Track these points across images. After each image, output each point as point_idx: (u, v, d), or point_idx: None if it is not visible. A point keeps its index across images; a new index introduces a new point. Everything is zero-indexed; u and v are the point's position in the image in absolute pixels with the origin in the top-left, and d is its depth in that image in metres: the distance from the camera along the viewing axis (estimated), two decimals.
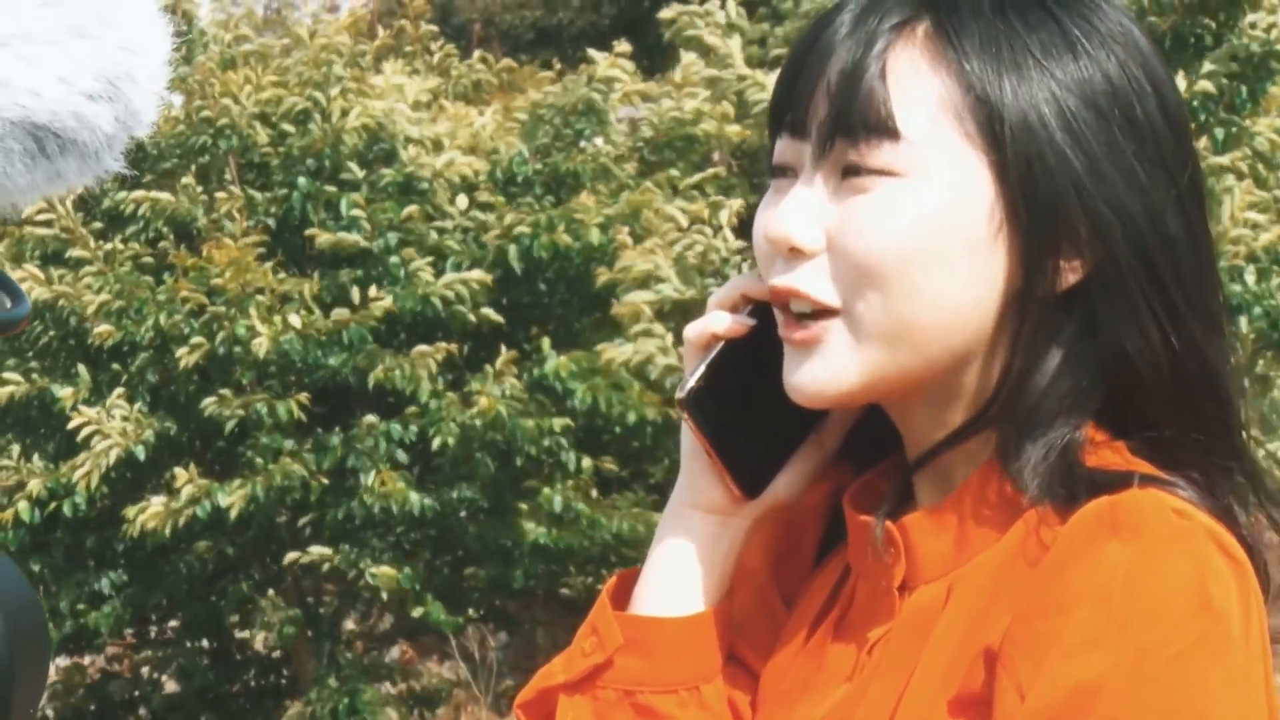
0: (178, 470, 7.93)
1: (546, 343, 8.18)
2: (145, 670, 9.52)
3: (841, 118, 1.29)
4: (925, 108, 1.28)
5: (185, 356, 7.90)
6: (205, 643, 9.43)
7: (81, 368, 8.26)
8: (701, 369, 1.39)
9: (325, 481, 8.03)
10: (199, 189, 8.50)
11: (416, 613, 8.26)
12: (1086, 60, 1.29)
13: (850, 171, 1.29)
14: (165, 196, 8.40)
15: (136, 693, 9.43)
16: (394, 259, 8.25)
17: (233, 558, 9.17)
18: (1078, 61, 1.29)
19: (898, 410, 1.36)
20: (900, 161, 1.28)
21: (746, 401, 1.39)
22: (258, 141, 8.54)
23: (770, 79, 7.56)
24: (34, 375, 8.35)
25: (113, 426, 7.93)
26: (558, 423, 7.92)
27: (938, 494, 1.35)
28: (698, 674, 1.40)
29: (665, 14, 8.21)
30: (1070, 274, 1.29)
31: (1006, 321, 1.29)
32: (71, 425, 7.96)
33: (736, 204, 7.82)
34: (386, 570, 8.13)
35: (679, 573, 1.41)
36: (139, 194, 8.41)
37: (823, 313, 1.31)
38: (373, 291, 8.12)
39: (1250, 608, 1.23)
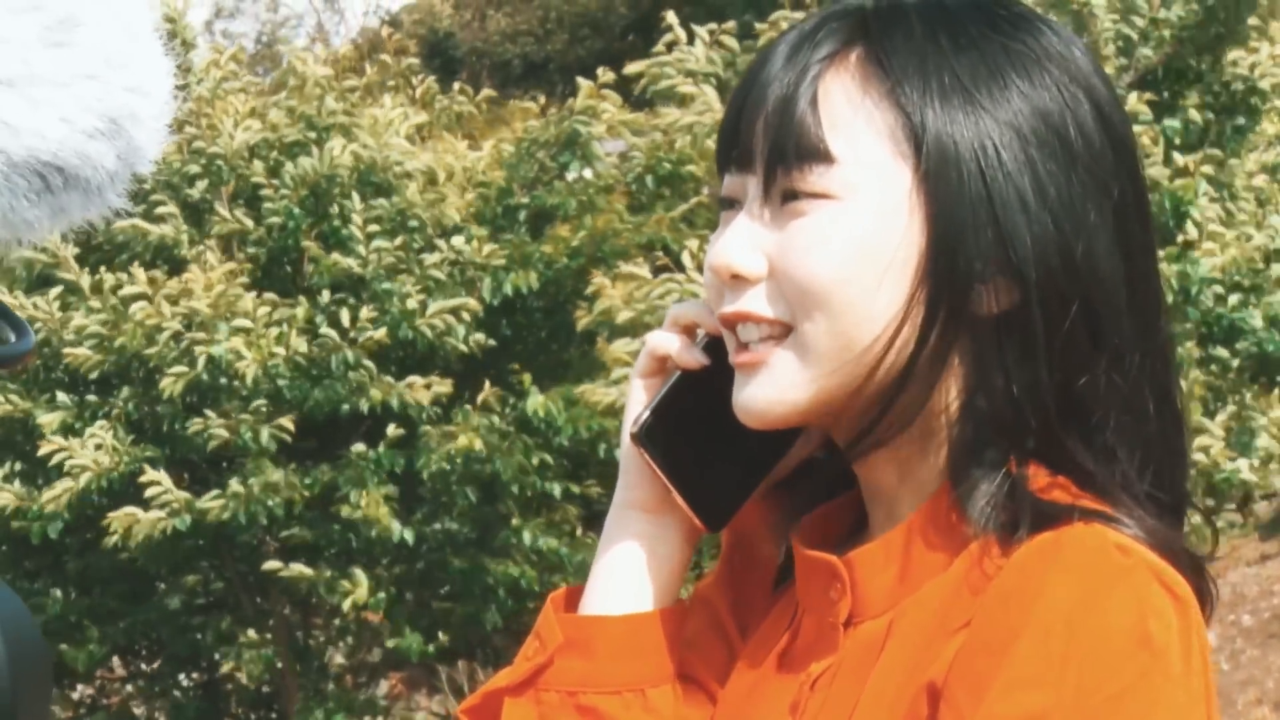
0: (152, 473, 7.89)
1: (528, 379, 8.18)
2: (134, 704, 9.50)
3: (777, 146, 1.32)
4: (856, 130, 1.31)
5: (170, 386, 7.87)
6: (196, 675, 9.41)
7: (62, 395, 8.24)
8: (654, 402, 1.41)
9: (306, 495, 8.00)
10: (182, 221, 8.50)
11: (390, 643, 8.23)
12: (1016, 85, 1.31)
13: (789, 197, 1.32)
14: (152, 227, 8.40)
15: None
16: (386, 285, 8.25)
17: (220, 593, 9.14)
18: (1006, 88, 1.31)
19: (843, 433, 1.37)
20: (834, 184, 1.30)
21: (705, 435, 1.40)
22: (250, 173, 8.55)
23: None
24: (14, 399, 8.32)
25: (85, 454, 7.89)
26: (544, 457, 7.92)
27: (890, 526, 1.35)
28: (642, 677, 1.39)
29: (631, 68, 8.19)
30: (1003, 297, 1.30)
31: (943, 342, 1.30)
32: (42, 452, 7.94)
33: None
34: (357, 584, 8.09)
35: (620, 573, 1.42)
36: (124, 224, 8.41)
37: (770, 337, 1.33)
38: (365, 313, 8.12)
39: (1191, 643, 1.23)
